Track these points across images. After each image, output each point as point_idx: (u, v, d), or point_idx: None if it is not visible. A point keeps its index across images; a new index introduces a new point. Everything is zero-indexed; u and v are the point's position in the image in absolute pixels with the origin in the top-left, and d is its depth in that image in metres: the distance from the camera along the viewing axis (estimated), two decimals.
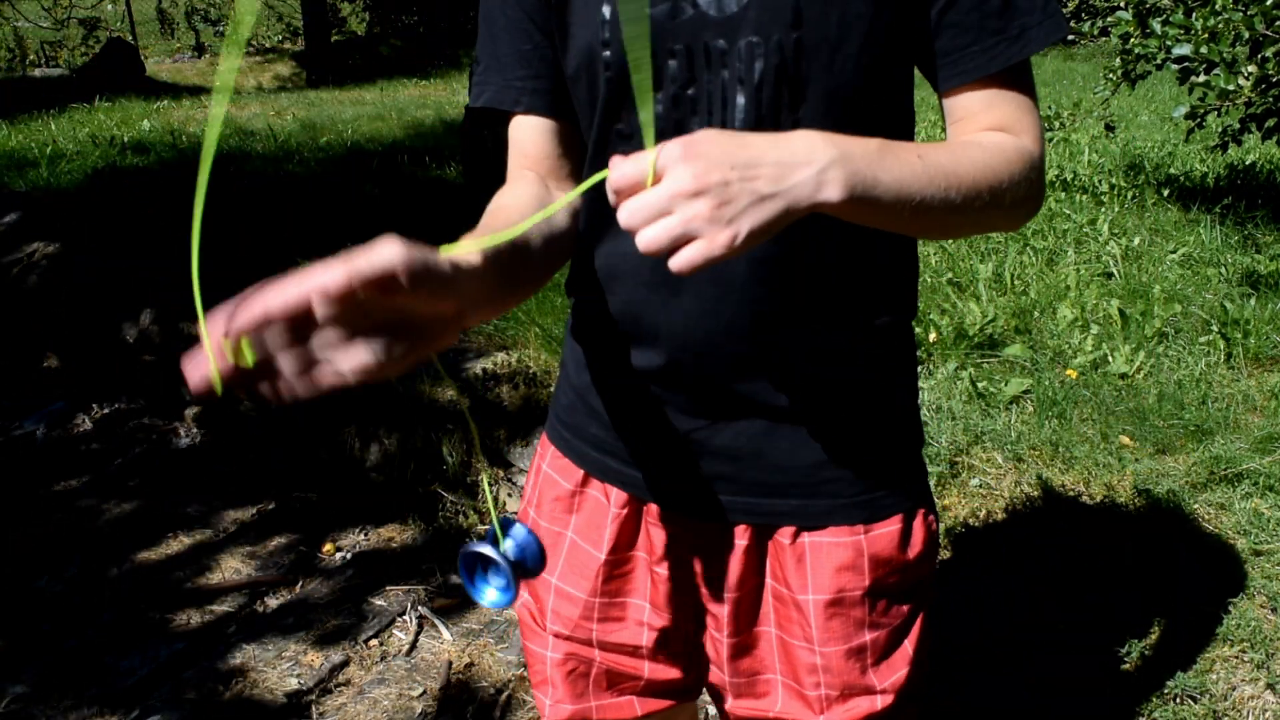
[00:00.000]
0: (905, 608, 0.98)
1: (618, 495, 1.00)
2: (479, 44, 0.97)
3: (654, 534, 1.00)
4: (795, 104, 0.82)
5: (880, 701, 0.97)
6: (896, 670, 0.98)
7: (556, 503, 1.05)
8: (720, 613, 1.00)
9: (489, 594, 0.84)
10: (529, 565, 0.83)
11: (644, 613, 1.04)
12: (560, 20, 0.88)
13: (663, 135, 0.83)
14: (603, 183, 0.90)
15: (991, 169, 0.79)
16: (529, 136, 0.97)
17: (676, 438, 0.95)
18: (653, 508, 0.99)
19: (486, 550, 0.82)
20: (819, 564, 0.94)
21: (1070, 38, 5.74)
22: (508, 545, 0.83)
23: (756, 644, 1.00)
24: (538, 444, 1.11)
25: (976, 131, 0.85)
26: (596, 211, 0.92)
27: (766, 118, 0.82)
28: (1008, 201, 0.80)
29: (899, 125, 0.89)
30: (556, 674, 1.07)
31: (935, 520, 1.00)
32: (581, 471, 1.03)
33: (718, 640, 1.01)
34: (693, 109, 0.84)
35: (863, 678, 0.97)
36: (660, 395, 0.94)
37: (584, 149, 0.95)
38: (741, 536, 0.96)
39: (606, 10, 0.84)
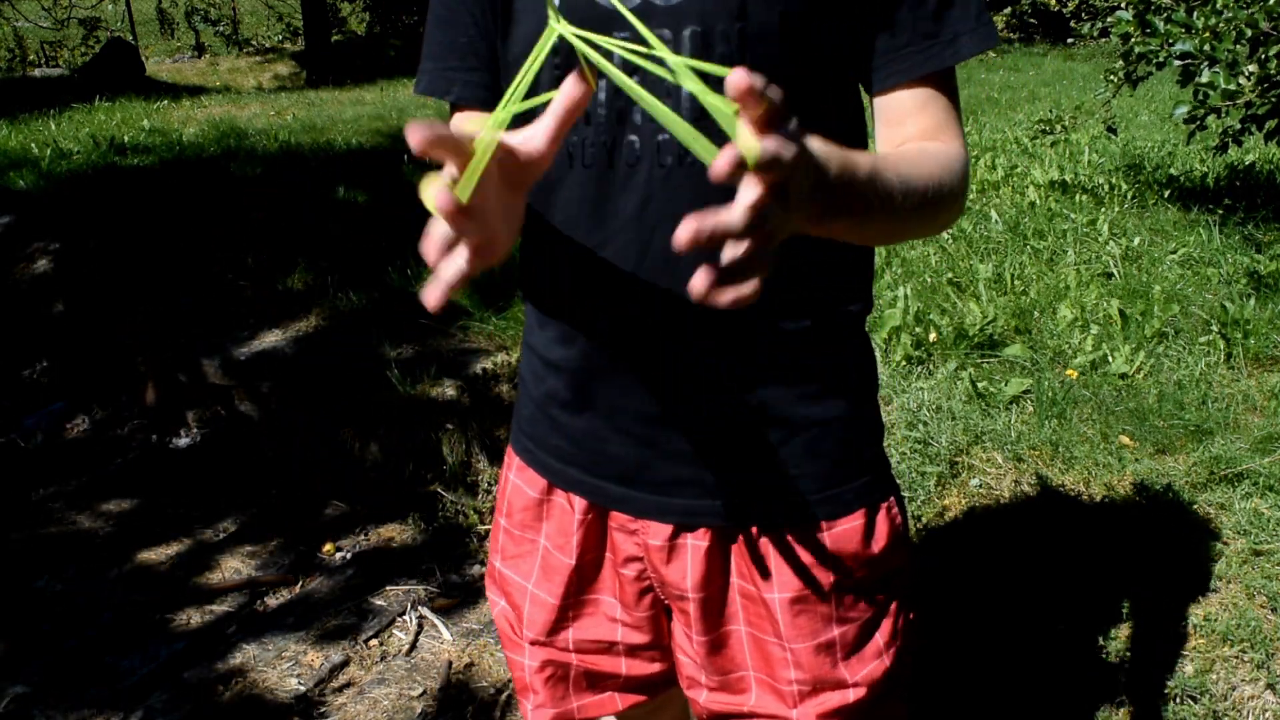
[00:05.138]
0: (874, 601, 0.98)
1: (580, 502, 1.01)
2: (425, 32, 0.99)
3: (617, 538, 1.01)
4: None
5: (852, 695, 0.98)
6: (868, 663, 0.98)
7: (525, 511, 1.06)
8: (687, 613, 1.00)
9: None
10: None
11: (615, 610, 1.04)
12: (505, 5, 0.89)
13: (605, 122, 0.86)
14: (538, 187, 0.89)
15: (937, 180, 0.82)
16: (470, 130, 0.99)
17: (637, 444, 0.94)
18: (616, 513, 0.99)
19: None
20: (782, 562, 0.95)
21: (1070, 39, 5.72)
22: None
23: (728, 642, 1.01)
24: (504, 456, 1.12)
25: (909, 135, 0.87)
26: (541, 211, 0.92)
27: None
28: (946, 208, 0.85)
29: (848, 121, 0.91)
30: (536, 680, 1.08)
31: (901, 511, 0.99)
32: (545, 480, 1.03)
33: (690, 638, 1.02)
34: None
35: (833, 671, 0.97)
36: (619, 401, 0.94)
37: None
38: (704, 538, 0.96)
39: None
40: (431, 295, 0.64)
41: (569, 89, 0.68)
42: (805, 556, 0.94)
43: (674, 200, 0.85)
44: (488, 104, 0.97)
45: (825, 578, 0.95)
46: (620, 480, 0.97)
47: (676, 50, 0.82)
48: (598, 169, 0.87)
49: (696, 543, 0.96)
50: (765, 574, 0.95)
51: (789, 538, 0.94)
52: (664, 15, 0.82)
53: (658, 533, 0.97)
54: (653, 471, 0.95)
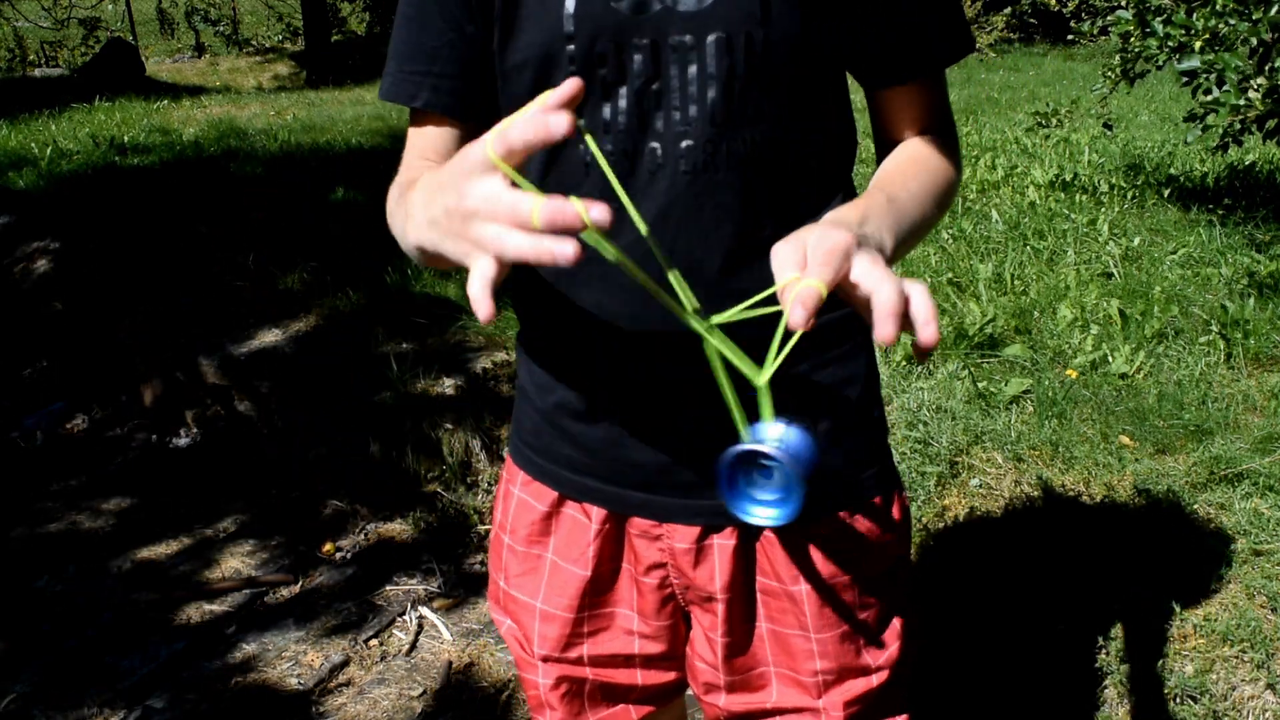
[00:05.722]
0: (891, 586, 1.01)
1: (598, 512, 1.00)
2: (392, 32, 0.94)
3: (639, 546, 1.00)
4: (761, 99, 0.83)
5: (875, 679, 1.00)
6: (888, 647, 1.00)
7: (531, 527, 1.04)
8: (713, 614, 1.00)
9: (761, 512, 0.66)
10: (804, 465, 0.66)
11: (632, 622, 1.04)
12: (506, 10, 0.85)
13: (625, 130, 0.85)
14: (558, 172, 0.89)
15: (936, 188, 0.90)
16: (429, 140, 0.94)
17: (658, 448, 0.94)
18: (636, 520, 0.99)
19: (762, 448, 0.64)
20: (808, 553, 0.96)
21: (1070, 37, 5.73)
22: (776, 444, 0.65)
23: (750, 641, 1.01)
24: (503, 469, 1.09)
25: (903, 133, 0.93)
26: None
27: (736, 112, 0.83)
28: (940, 212, 0.92)
29: (846, 121, 0.94)
30: (552, 696, 1.07)
31: (907, 498, 1.03)
32: (555, 493, 1.02)
33: (712, 641, 1.01)
34: (657, 104, 0.84)
35: (858, 659, 0.99)
36: (638, 407, 0.93)
37: None
38: (729, 537, 0.96)
39: (570, 4, 0.82)
40: (485, 305, 0.62)
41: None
42: (829, 546, 0.96)
43: (695, 208, 0.85)
44: (455, 111, 0.92)
45: (848, 566, 0.97)
46: (642, 486, 0.96)
47: (701, 57, 0.82)
48: (619, 176, 0.85)
49: (723, 542, 0.96)
50: (791, 567, 0.96)
51: (813, 528, 0.95)
52: (687, 21, 0.81)
53: (684, 535, 0.97)
54: (676, 474, 0.94)
